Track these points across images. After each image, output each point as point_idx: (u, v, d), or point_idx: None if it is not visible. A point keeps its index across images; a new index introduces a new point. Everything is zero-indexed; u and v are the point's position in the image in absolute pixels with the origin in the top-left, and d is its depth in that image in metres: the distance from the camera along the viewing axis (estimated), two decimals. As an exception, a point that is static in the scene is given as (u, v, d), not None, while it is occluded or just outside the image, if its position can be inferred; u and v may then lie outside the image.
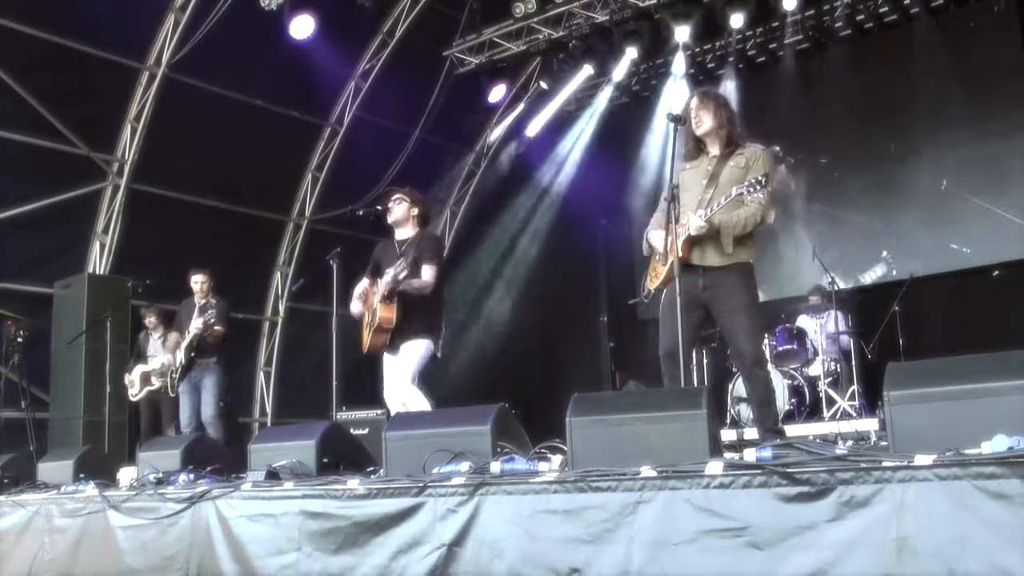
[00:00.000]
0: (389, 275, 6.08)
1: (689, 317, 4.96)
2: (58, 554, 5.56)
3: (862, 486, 2.87)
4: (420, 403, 6.12)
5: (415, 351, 6.26)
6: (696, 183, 5.13)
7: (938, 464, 2.76)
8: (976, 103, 10.72)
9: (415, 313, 6.24)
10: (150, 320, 9.54)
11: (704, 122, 5.16)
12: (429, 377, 6.42)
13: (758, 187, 4.82)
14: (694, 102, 5.21)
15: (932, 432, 3.05)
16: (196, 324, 8.51)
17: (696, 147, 5.25)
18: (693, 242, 5.01)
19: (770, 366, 8.67)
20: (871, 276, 11.41)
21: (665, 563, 3.17)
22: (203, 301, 8.83)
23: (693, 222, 4.88)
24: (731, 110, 5.26)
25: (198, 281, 8.93)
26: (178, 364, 8.67)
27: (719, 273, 5.01)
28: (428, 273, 6.26)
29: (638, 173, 12.64)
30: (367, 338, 6.35)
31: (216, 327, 8.62)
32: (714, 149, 5.19)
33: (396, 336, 6.25)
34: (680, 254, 4.93)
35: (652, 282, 5.37)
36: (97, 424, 9.57)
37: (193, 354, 8.63)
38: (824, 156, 11.64)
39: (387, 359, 6.40)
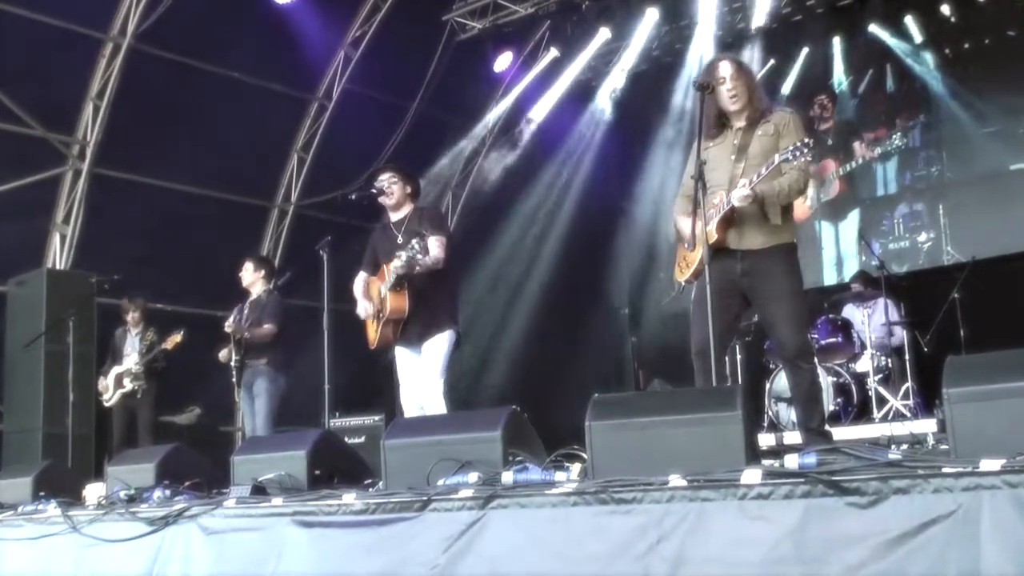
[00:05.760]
0: (401, 259, 5.92)
1: (725, 307, 4.94)
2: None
3: (920, 495, 2.86)
4: (439, 406, 6.09)
5: (439, 347, 6.20)
6: (724, 160, 5.12)
7: (1007, 470, 2.75)
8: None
9: (429, 300, 6.18)
10: (132, 316, 9.42)
11: (740, 96, 5.11)
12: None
13: (801, 152, 4.79)
14: (728, 71, 5.12)
15: (999, 434, 3.02)
16: (231, 325, 8.19)
17: (719, 122, 5.20)
18: (729, 223, 4.99)
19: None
20: (925, 260, 11.35)
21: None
22: (254, 296, 8.52)
23: (736, 192, 4.86)
24: (755, 76, 5.25)
25: (247, 269, 8.64)
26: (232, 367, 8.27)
27: (760, 256, 5.00)
28: (436, 246, 6.17)
29: (662, 151, 12.62)
30: (376, 331, 6.26)
31: (265, 325, 8.19)
32: (739, 122, 5.18)
33: (411, 328, 6.19)
34: (715, 237, 4.92)
35: (682, 273, 5.33)
36: (59, 436, 9.56)
37: (240, 357, 8.18)
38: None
39: (402, 354, 6.33)
